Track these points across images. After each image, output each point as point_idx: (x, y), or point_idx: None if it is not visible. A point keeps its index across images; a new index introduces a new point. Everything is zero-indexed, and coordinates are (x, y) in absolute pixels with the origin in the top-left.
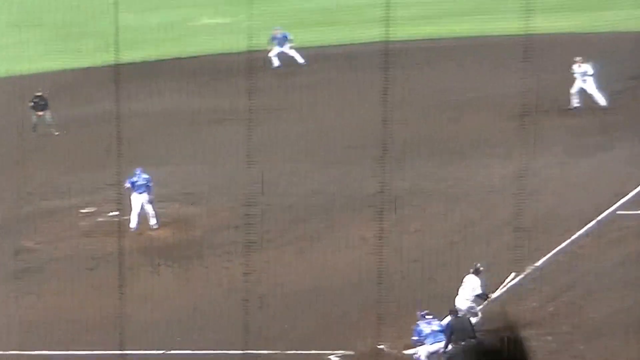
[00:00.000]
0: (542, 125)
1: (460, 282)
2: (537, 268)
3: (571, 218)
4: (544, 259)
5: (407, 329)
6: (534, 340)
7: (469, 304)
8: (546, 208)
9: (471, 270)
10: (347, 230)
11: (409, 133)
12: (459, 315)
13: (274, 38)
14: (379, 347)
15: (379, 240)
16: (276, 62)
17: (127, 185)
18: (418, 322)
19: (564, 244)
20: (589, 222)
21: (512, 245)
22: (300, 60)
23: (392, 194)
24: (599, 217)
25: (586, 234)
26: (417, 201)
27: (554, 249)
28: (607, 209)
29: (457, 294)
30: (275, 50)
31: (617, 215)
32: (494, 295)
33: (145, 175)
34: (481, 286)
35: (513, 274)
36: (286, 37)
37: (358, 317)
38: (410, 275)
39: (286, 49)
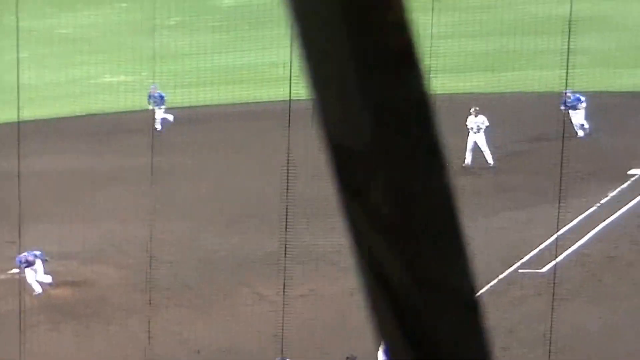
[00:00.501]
0: None
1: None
2: None
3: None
4: None
5: None
6: None
7: None
8: None
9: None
10: (248, 289)
11: (309, 193)
12: None
13: (150, 96)
14: None
15: (280, 299)
16: (158, 127)
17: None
18: None
19: None
20: (490, 281)
21: None
22: (170, 120)
23: (292, 254)
24: (501, 276)
25: (488, 292)
26: (315, 262)
27: None
28: (508, 268)
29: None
30: (159, 113)
31: (519, 274)
32: None
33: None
34: None
35: None
36: (162, 97)
37: None
38: (307, 336)
39: (161, 110)
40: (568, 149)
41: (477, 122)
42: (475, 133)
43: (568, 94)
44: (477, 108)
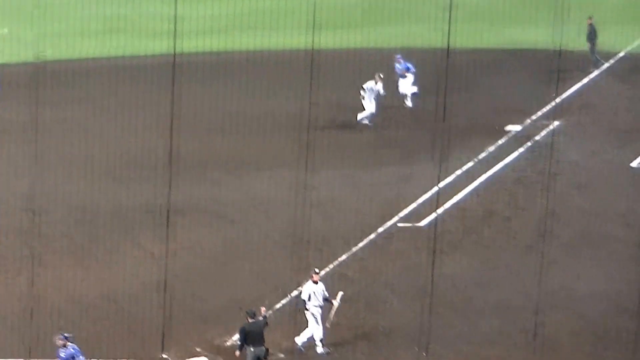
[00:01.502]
0: (325, 140)
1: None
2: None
3: (352, 231)
4: (325, 270)
5: (190, 338)
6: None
7: (318, 310)
8: (327, 221)
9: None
10: (129, 243)
11: (193, 149)
12: (254, 319)
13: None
14: (162, 355)
15: (162, 253)
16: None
17: None
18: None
19: (345, 256)
20: (370, 234)
21: (295, 256)
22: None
23: (176, 208)
24: (380, 230)
25: (367, 246)
26: (198, 216)
27: (335, 261)
28: (387, 222)
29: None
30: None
31: (398, 228)
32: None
33: None
34: (324, 290)
35: (341, 293)
36: None
37: (144, 326)
38: (194, 286)
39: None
40: (450, 104)
41: (376, 87)
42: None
43: (399, 59)
44: (382, 76)
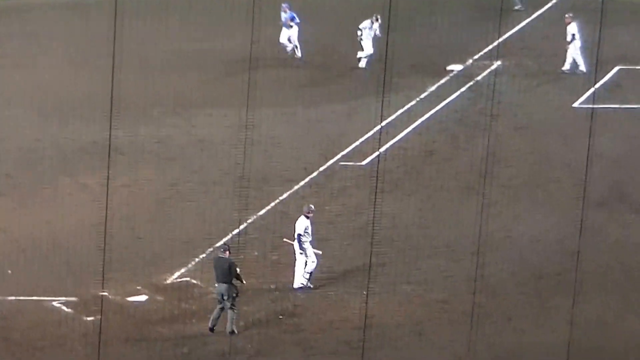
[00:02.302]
0: (265, 78)
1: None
2: (260, 217)
3: (293, 169)
4: (267, 208)
5: (129, 277)
6: (255, 288)
7: (304, 246)
8: (269, 159)
9: (305, 210)
10: (70, 182)
11: (134, 87)
12: (221, 255)
13: None
14: (101, 293)
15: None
16: None
17: None
18: None
19: (286, 194)
20: (311, 173)
21: (235, 195)
22: None
23: (117, 147)
24: (321, 169)
25: (308, 184)
26: (137, 155)
27: (276, 199)
28: (328, 160)
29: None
30: None
31: (339, 166)
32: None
33: None
34: (305, 228)
35: (319, 252)
36: None
37: (83, 264)
38: (135, 226)
39: None
40: (392, 43)
41: (372, 27)
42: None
43: (285, 8)
44: (379, 17)
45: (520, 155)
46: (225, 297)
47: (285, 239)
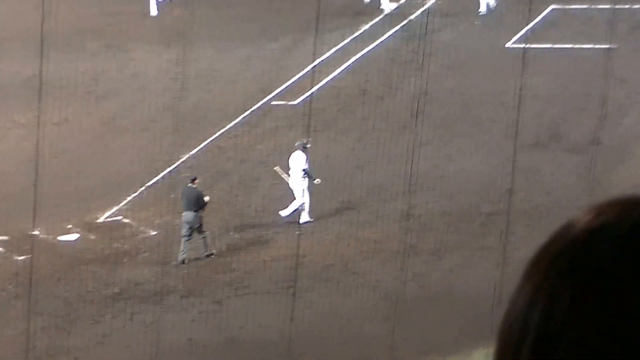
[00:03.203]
0: (203, 14)
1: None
2: (192, 156)
3: (228, 107)
4: (200, 147)
5: (62, 215)
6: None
7: (301, 181)
8: (204, 96)
9: (297, 145)
10: (3, 115)
11: (68, 20)
12: (189, 185)
13: None
14: (32, 232)
15: (35, 128)
16: None
17: None
18: None
19: (220, 132)
20: (245, 111)
21: (169, 132)
22: None
23: (50, 82)
24: (254, 107)
25: (241, 124)
26: (72, 91)
27: (211, 136)
28: (262, 99)
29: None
30: None
31: (272, 106)
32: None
33: None
34: (306, 162)
35: (277, 167)
36: None
37: (14, 203)
38: (68, 162)
39: None
40: None
41: None
42: None
43: None
44: None
45: (453, 94)
46: (192, 226)
47: (277, 168)
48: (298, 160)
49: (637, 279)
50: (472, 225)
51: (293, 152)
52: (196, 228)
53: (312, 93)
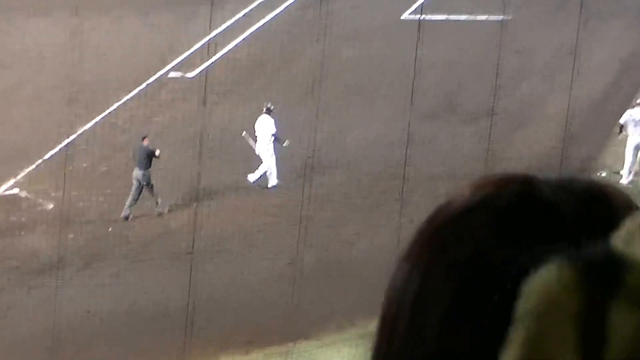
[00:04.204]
0: None
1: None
2: (89, 129)
3: (122, 80)
4: (96, 119)
5: None
6: (86, 200)
7: (268, 145)
8: (100, 68)
9: (264, 110)
10: None
11: None
12: (140, 143)
13: None
14: None
15: None
16: None
17: None
18: None
19: (115, 105)
20: (140, 84)
21: (66, 104)
22: None
23: None
24: (150, 80)
25: (137, 96)
26: None
27: (106, 109)
28: (157, 71)
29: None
30: None
31: (168, 78)
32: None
33: None
34: (275, 125)
35: (245, 133)
36: None
37: None
38: None
39: None
40: None
41: None
42: None
43: None
44: None
45: (351, 65)
46: (141, 183)
47: (245, 134)
48: (265, 125)
49: (513, 254)
50: (370, 196)
51: (259, 116)
52: (145, 185)
53: (208, 65)
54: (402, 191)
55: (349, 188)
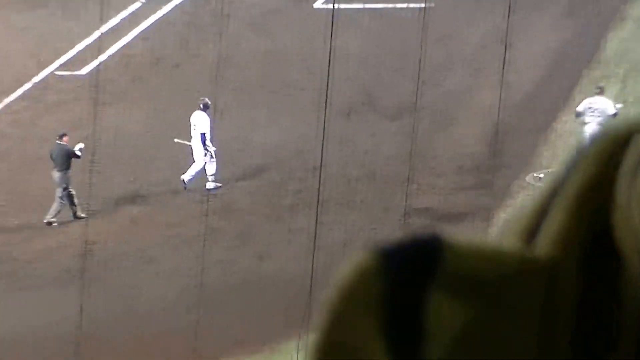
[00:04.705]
0: None
1: None
2: None
3: (3, 80)
4: None
5: None
6: None
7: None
8: None
9: (200, 106)
10: None
11: None
12: (58, 142)
13: None
14: None
15: None
16: None
17: None
18: None
19: None
20: (24, 84)
21: None
22: None
23: None
24: (35, 79)
25: (21, 98)
26: None
27: None
28: (43, 70)
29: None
30: None
31: (55, 76)
32: None
33: None
34: (207, 124)
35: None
36: None
37: None
38: None
39: None
40: None
41: None
42: None
43: None
44: None
45: (256, 59)
46: (60, 185)
47: (177, 140)
48: (198, 121)
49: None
50: (280, 205)
51: (194, 112)
52: (64, 188)
53: (100, 62)
54: (317, 199)
55: (256, 196)
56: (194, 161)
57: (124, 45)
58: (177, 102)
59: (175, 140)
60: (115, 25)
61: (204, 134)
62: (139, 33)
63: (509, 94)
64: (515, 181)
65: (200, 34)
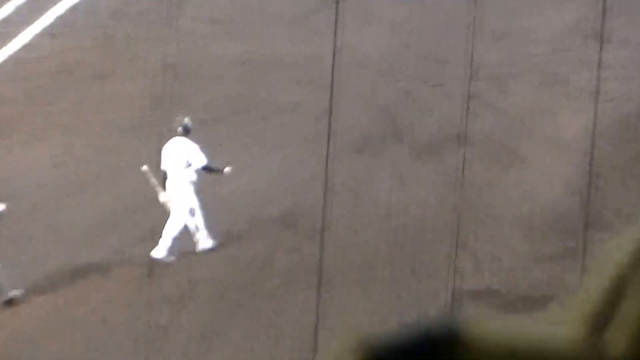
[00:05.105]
0: None
1: None
2: None
3: None
4: None
5: None
6: None
7: (186, 187)
8: None
9: (178, 129)
10: None
11: None
12: None
13: None
14: None
15: None
16: None
17: None
18: None
19: None
20: None
21: None
22: None
23: None
24: None
25: None
26: None
27: None
28: None
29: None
30: None
31: None
32: None
33: None
34: (199, 153)
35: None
36: None
37: None
38: None
39: None
40: None
41: None
42: None
43: None
44: None
45: (224, 66)
46: None
47: (146, 168)
48: (181, 153)
49: None
50: (264, 288)
51: (167, 142)
52: None
53: None
54: (320, 273)
55: (230, 274)
56: (168, 216)
57: (20, 48)
58: (117, 133)
59: (143, 168)
60: (6, 17)
61: (205, 166)
62: (44, 28)
63: (605, 115)
64: None
65: (138, 28)
